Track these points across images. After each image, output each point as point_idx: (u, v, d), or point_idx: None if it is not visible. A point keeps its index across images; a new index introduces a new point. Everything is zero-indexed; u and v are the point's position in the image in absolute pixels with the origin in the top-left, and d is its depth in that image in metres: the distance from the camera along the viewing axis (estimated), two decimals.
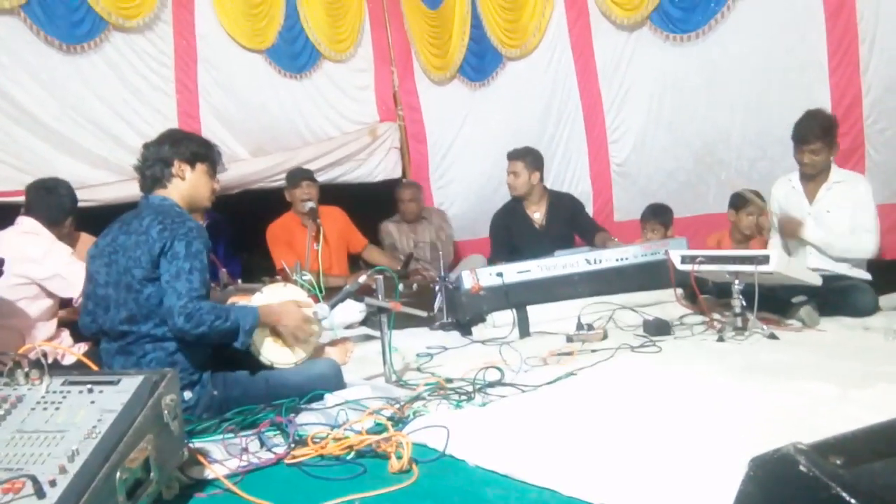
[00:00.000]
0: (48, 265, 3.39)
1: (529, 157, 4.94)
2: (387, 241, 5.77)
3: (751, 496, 1.02)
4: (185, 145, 2.72)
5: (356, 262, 5.39)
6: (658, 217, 4.89)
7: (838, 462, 0.95)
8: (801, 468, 0.94)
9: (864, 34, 4.26)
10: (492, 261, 5.02)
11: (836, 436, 1.02)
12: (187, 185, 2.71)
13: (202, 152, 2.76)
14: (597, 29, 5.40)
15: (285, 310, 2.75)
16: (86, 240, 4.11)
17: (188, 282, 2.41)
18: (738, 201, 4.48)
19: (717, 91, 4.90)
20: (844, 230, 3.88)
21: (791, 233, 3.87)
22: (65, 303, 3.55)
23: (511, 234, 4.99)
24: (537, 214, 4.98)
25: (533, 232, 4.94)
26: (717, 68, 4.86)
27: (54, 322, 3.54)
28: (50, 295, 3.45)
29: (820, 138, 3.84)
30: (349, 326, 4.27)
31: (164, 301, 2.42)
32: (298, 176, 5.18)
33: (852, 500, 0.88)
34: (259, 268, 5.14)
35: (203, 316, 2.41)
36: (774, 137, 4.41)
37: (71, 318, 3.51)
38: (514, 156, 4.97)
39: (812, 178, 3.97)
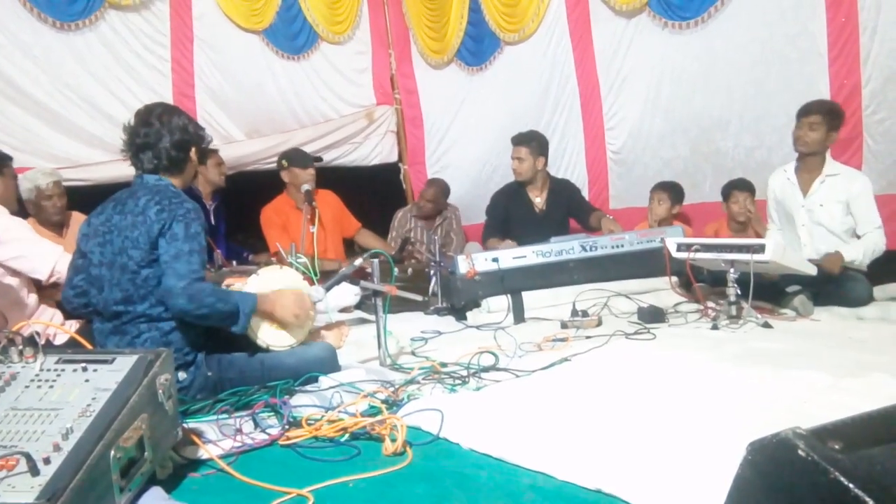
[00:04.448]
0: (11, 246, 3.25)
1: (535, 143, 4.86)
2: (398, 231, 5.69)
3: (748, 480, 1.02)
4: (199, 129, 2.73)
5: (351, 247, 5.36)
6: (667, 189, 4.78)
7: (837, 447, 0.95)
8: (800, 452, 0.94)
9: (864, 24, 4.25)
10: (483, 237, 5.01)
11: (835, 421, 1.02)
12: (192, 172, 2.74)
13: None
14: (595, 15, 5.37)
15: (280, 300, 2.70)
16: (77, 218, 4.09)
17: (188, 263, 2.40)
18: (727, 191, 4.57)
19: (715, 79, 4.89)
20: (836, 225, 3.90)
21: (834, 267, 3.75)
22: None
23: (510, 217, 4.95)
24: (538, 199, 4.95)
25: (533, 217, 4.91)
26: (716, 56, 4.84)
27: (33, 297, 3.41)
28: (15, 273, 3.31)
29: (822, 113, 3.84)
30: (344, 310, 4.24)
31: (164, 282, 2.40)
32: (309, 159, 5.04)
33: (851, 485, 0.89)
34: (253, 249, 5.12)
35: (205, 298, 2.40)
36: (772, 126, 4.42)
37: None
38: (518, 140, 4.87)
39: (806, 169, 3.97)
